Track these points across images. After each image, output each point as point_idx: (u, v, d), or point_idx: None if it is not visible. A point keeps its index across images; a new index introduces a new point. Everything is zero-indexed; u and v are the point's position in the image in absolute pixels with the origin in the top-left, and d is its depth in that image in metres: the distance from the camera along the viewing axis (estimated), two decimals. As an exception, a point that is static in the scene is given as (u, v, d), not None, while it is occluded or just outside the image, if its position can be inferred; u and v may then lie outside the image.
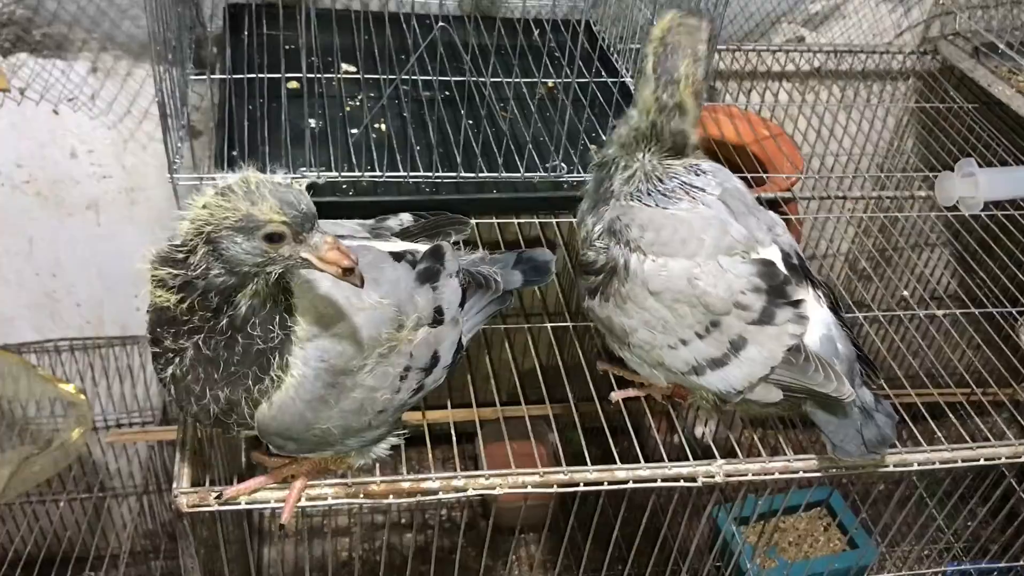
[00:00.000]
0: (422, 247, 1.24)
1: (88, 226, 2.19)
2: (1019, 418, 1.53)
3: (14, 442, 2.16)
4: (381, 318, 1.10)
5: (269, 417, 1.04)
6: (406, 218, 1.31)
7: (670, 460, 1.24)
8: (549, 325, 1.45)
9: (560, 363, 1.41)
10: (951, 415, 1.49)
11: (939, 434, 1.44)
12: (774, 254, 1.24)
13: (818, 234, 2.28)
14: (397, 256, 1.20)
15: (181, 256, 0.97)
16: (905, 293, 1.63)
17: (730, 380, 1.20)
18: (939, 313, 1.56)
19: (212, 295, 0.97)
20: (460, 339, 1.24)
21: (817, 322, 1.22)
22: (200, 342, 1.00)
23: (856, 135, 2.23)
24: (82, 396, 2.15)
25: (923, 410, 1.44)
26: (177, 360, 1.01)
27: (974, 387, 1.58)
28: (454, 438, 1.28)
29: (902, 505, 1.79)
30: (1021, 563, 1.76)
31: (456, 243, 1.33)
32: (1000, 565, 1.82)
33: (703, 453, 1.28)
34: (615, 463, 1.22)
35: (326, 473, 1.22)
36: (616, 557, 1.59)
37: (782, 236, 1.28)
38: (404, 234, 1.28)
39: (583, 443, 1.26)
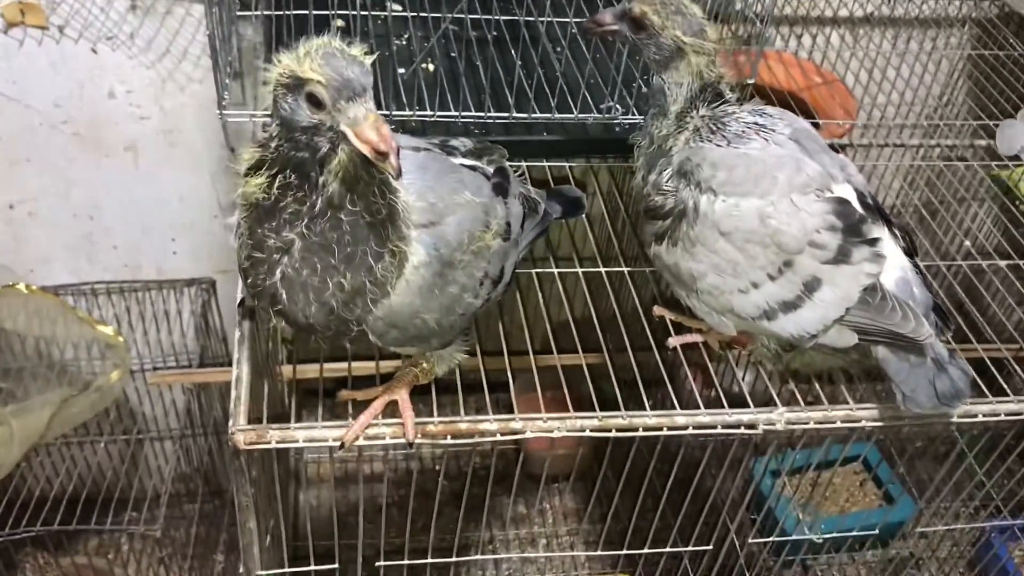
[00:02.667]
0: (487, 167, 1.25)
1: (126, 168, 2.17)
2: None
3: (53, 383, 2.16)
4: (474, 217, 1.11)
5: (393, 298, 1.02)
6: (468, 142, 1.30)
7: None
8: (580, 270, 1.42)
9: (593, 312, 1.39)
10: (996, 372, 1.46)
11: (987, 392, 1.39)
12: (848, 192, 1.20)
13: (875, 182, 2.23)
14: (471, 169, 1.21)
15: (264, 136, 0.97)
16: (967, 243, 1.58)
17: (803, 323, 1.17)
18: (985, 264, 1.52)
19: (291, 173, 0.95)
20: (516, 260, 1.24)
21: (893, 264, 1.19)
22: (305, 229, 0.97)
23: (909, 80, 2.17)
24: (120, 338, 2.15)
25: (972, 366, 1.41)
26: (286, 259, 0.99)
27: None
28: (486, 386, 1.26)
29: (939, 461, 1.76)
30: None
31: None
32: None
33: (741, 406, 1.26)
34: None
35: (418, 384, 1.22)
36: (647, 507, 1.58)
37: (855, 176, 1.24)
38: (467, 156, 1.28)
39: (618, 393, 1.24)
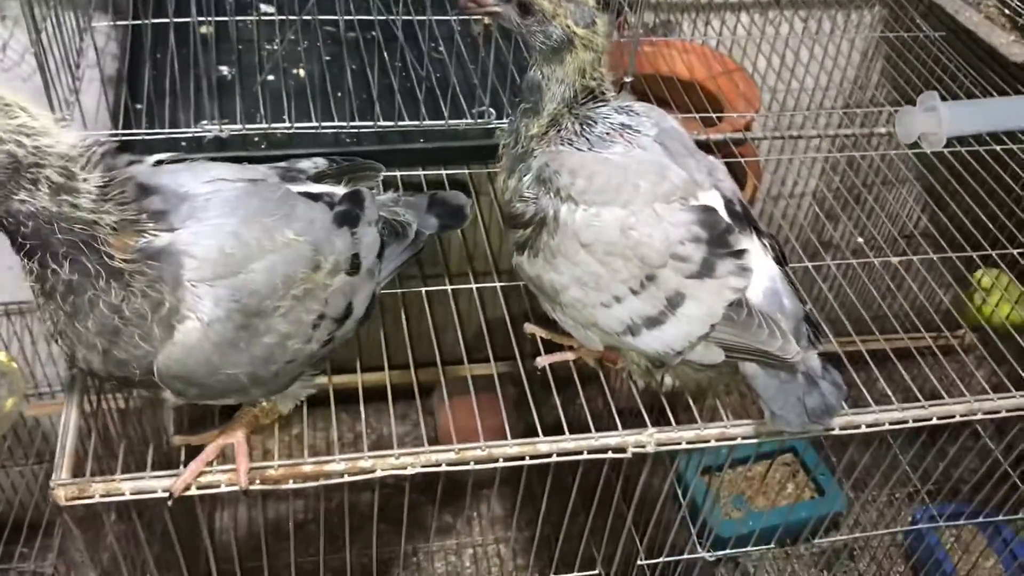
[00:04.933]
0: (339, 190, 1.17)
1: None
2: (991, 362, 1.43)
3: (-58, 414, 2.06)
4: (296, 256, 1.03)
5: (173, 360, 0.96)
6: (320, 162, 1.22)
7: (597, 426, 1.16)
8: (475, 286, 1.34)
9: (483, 323, 1.32)
10: (920, 359, 1.41)
11: (907, 381, 1.34)
12: (715, 200, 1.14)
13: (781, 175, 2.18)
14: (314, 197, 1.12)
15: None
16: (860, 240, 1.53)
17: (667, 340, 1.11)
18: (894, 260, 1.47)
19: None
20: (375, 292, 1.17)
21: (761, 275, 1.13)
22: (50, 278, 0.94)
23: (819, 70, 2.11)
24: (13, 364, 2.06)
25: (892, 356, 1.37)
26: (50, 304, 0.96)
27: (944, 329, 1.50)
28: (361, 402, 1.19)
29: (867, 447, 1.72)
30: (991, 505, 1.70)
31: (372, 187, 1.24)
32: (970, 509, 1.76)
33: (633, 417, 1.20)
34: (537, 435, 1.13)
35: (258, 428, 1.16)
36: (577, 508, 1.52)
37: (724, 181, 1.18)
38: (319, 178, 1.20)
39: (503, 411, 1.17)
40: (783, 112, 2.10)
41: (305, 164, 1.20)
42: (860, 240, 1.51)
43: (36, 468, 2.36)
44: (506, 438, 1.13)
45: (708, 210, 1.11)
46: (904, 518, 2.34)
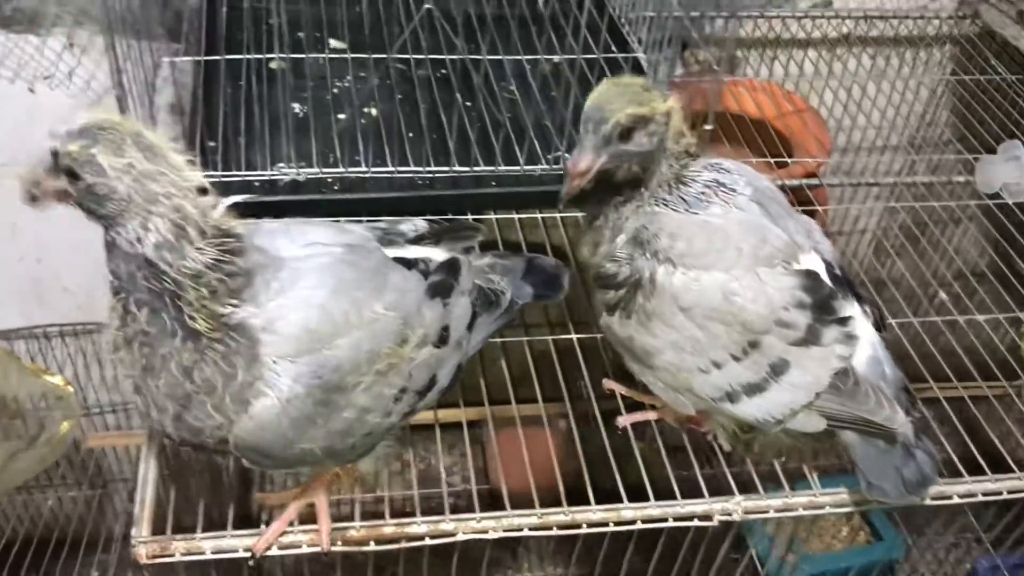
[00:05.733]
0: (437, 255, 1.14)
1: (73, 210, 2.08)
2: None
3: (-1, 437, 2.07)
4: (384, 331, 1.00)
5: (247, 432, 0.94)
6: (420, 224, 1.19)
7: (681, 490, 1.13)
8: (551, 338, 1.32)
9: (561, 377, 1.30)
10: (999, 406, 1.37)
11: (985, 429, 1.30)
12: (816, 263, 1.11)
13: (842, 213, 2.14)
14: (408, 264, 1.09)
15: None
16: (943, 296, 1.49)
17: (769, 408, 1.08)
18: (962, 320, 1.42)
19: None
20: (461, 363, 1.13)
21: (864, 342, 1.10)
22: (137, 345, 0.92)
23: (886, 108, 2.07)
24: (69, 388, 2.06)
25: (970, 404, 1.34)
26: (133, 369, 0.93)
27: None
28: (439, 439, 1.18)
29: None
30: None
31: (469, 249, 1.22)
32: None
33: (718, 482, 1.17)
34: (620, 500, 1.10)
35: (338, 486, 1.14)
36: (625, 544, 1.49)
37: (822, 243, 1.15)
38: (418, 241, 1.16)
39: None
40: (847, 151, 2.06)
41: (404, 227, 1.17)
42: (944, 296, 1.47)
43: (89, 492, 2.38)
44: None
45: (811, 275, 1.08)
46: (962, 567, 2.29)
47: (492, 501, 2.48)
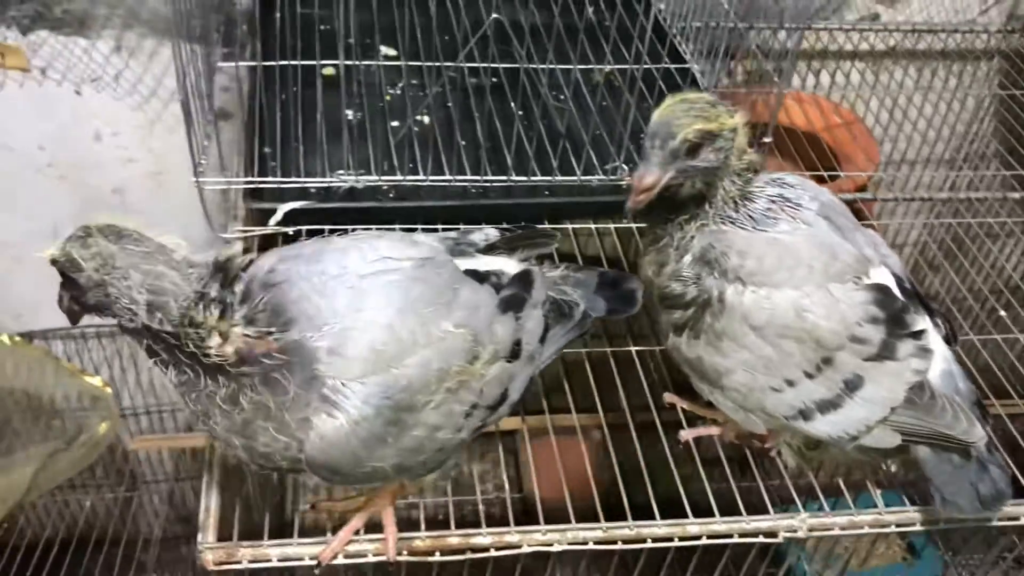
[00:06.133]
0: (509, 266, 1.13)
1: (114, 210, 2.09)
2: None
3: (39, 437, 2.08)
4: (453, 349, 0.99)
5: (318, 450, 0.94)
6: (492, 233, 1.18)
7: (746, 506, 1.12)
8: (609, 350, 1.31)
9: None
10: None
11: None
12: (886, 277, 1.10)
13: (887, 230, 2.12)
14: (480, 277, 1.08)
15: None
16: (1003, 314, 1.47)
17: (843, 424, 1.07)
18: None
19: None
20: (532, 376, 1.12)
21: (937, 356, 1.09)
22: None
23: (932, 118, 2.06)
24: (108, 389, 2.07)
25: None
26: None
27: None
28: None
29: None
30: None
31: (541, 258, 1.21)
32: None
33: (779, 497, 1.16)
34: (686, 515, 1.10)
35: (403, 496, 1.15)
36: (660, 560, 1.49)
37: (890, 257, 1.14)
38: (490, 250, 1.16)
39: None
40: (891, 163, 2.04)
41: (476, 236, 1.16)
42: (1003, 313, 1.46)
43: (116, 488, 2.39)
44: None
45: (882, 289, 1.08)
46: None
47: (525, 510, 2.48)
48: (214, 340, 0.90)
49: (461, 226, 1.22)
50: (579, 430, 1.27)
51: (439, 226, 1.34)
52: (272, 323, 0.93)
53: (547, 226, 1.45)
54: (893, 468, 1.39)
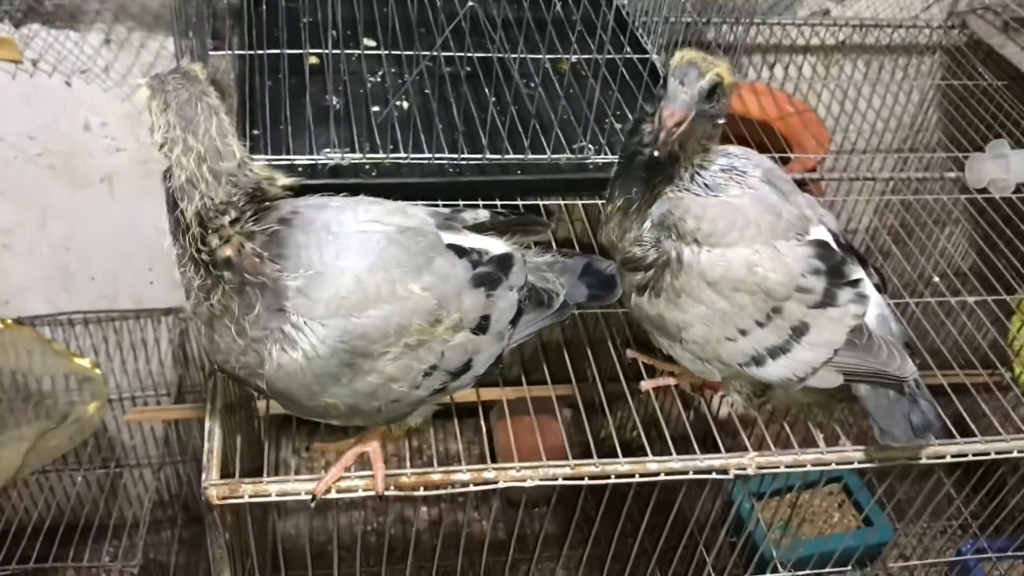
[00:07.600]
0: (495, 247, 1.20)
1: (102, 199, 2.17)
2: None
3: (30, 417, 2.15)
4: (416, 309, 1.07)
5: (276, 378, 1.04)
6: (483, 214, 1.26)
7: (700, 446, 1.23)
8: (577, 311, 1.42)
9: (588, 345, 1.39)
10: (976, 396, 1.47)
11: (966, 419, 1.41)
12: (824, 234, 1.22)
13: (838, 212, 2.25)
14: (461, 252, 1.16)
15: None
16: (936, 279, 1.60)
17: (792, 367, 1.19)
18: (954, 301, 1.54)
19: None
20: (502, 353, 1.20)
21: (872, 302, 1.22)
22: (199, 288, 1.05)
23: (880, 109, 2.20)
24: (97, 371, 2.14)
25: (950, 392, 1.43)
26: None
27: (998, 366, 1.56)
28: (455, 415, 1.28)
29: (917, 481, 1.78)
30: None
31: (537, 243, 1.30)
32: (1018, 542, 1.81)
33: (730, 438, 1.27)
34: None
35: (390, 438, 1.23)
36: (628, 531, 1.59)
37: (825, 216, 1.26)
38: (478, 229, 1.23)
39: (614, 438, 1.25)
40: (843, 153, 2.17)
41: (467, 215, 1.23)
42: (937, 280, 1.58)
43: (101, 473, 2.45)
44: (567, 458, 1.19)
45: (822, 244, 1.19)
46: (948, 552, 2.38)
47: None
48: (214, 240, 1.00)
49: (460, 203, 1.30)
50: (554, 399, 1.36)
51: (419, 202, 1.43)
52: (267, 250, 1.02)
53: (522, 202, 1.56)
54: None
